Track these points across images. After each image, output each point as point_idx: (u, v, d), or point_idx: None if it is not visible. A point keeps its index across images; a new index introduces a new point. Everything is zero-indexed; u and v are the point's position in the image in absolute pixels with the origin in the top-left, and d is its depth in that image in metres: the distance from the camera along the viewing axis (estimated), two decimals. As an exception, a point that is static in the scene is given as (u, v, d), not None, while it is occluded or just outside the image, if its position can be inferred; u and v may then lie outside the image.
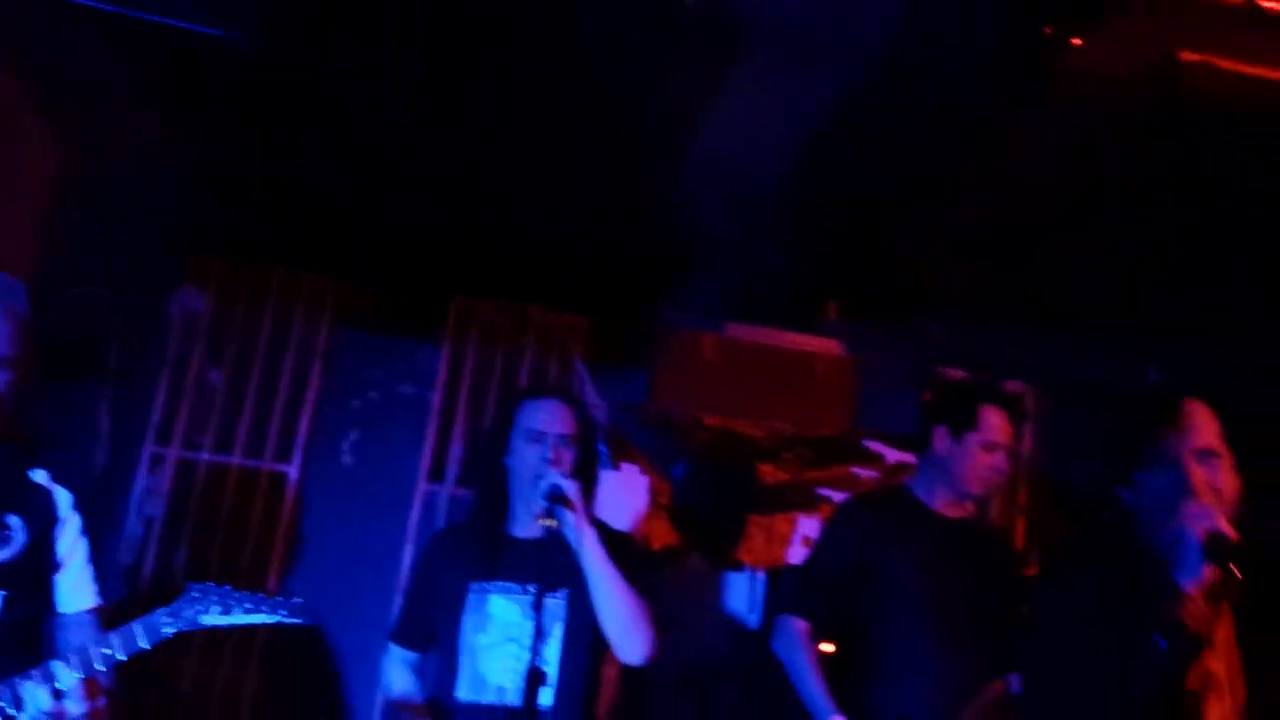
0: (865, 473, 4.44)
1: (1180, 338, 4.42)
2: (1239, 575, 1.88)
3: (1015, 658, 2.98)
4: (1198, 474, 2.03)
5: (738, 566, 4.33)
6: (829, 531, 3.32)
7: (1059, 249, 3.97)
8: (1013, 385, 4.88)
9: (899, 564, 3.08)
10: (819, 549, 3.28)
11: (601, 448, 4.17)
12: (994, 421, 3.11)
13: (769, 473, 4.39)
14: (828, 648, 3.26)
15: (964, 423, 3.11)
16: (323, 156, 3.85)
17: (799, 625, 3.14)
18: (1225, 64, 3.04)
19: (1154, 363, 4.59)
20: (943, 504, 3.17)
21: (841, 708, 3.01)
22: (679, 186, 3.82)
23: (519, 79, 3.32)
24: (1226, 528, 1.91)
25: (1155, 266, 4.04)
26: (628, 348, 4.55)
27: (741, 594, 4.35)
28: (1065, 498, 4.65)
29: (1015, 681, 3.03)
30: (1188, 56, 2.92)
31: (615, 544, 2.85)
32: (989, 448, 3.10)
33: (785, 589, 3.29)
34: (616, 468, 4.32)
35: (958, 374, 4.77)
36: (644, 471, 4.37)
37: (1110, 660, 1.96)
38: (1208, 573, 1.91)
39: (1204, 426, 2.09)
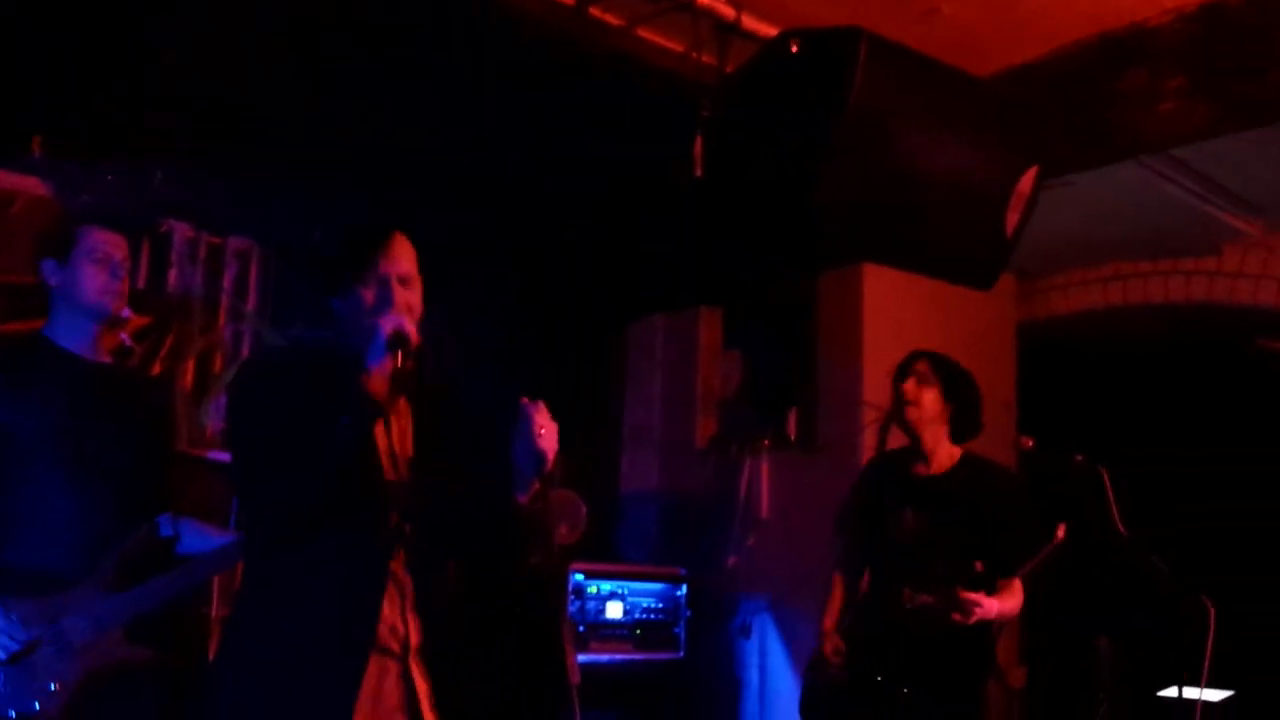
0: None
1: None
2: (410, 365, 2.37)
3: (163, 499, 3.03)
4: (400, 292, 2.44)
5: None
6: None
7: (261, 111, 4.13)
8: (238, 241, 5.04)
9: (25, 415, 2.87)
10: None
11: None
12: (97, 236, 3.03)
13: (-47, 322, 4.03)
14: None
15: (67, 246, 3.00)
16: None
17: None
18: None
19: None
20: (81, 347, 3.03)
21: None
22: None
23: None
24: (410, 328, 2.36)
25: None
26: None
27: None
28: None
29: (164, 523, 2.99)
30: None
31: None
32: (99, 261, 3.00)
33: None
34: None
35: (182, 225, 4.80)
36: None
37: (307, 440, 2.25)
38: (388, 359, 2.35)
39: (404, 256, 2.49)
